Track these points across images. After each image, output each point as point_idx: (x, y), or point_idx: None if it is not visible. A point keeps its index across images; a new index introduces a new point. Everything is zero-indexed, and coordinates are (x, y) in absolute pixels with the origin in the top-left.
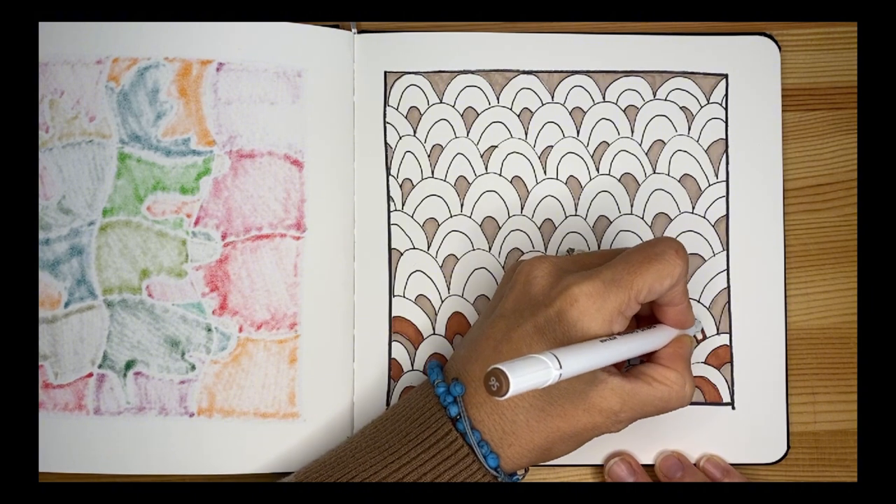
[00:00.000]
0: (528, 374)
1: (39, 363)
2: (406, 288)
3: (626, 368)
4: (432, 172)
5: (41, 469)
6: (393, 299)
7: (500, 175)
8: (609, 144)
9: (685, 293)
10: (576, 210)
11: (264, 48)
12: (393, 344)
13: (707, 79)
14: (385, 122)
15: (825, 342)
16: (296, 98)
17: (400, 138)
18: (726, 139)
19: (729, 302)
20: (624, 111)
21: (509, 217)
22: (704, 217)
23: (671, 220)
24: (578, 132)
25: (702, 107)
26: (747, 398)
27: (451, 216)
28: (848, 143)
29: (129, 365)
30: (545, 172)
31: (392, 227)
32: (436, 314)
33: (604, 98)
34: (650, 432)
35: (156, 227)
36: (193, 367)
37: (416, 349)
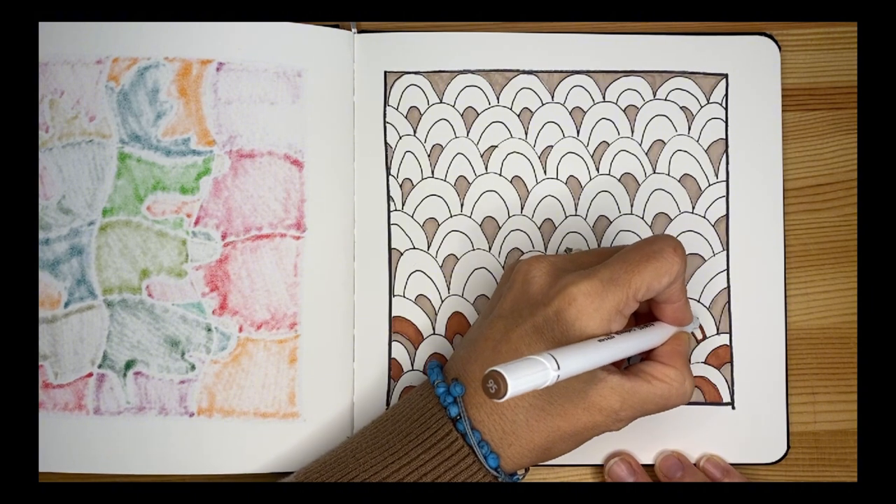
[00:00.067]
0: (527, 376)
1: (39, 363)
2: (406, 288)
3: (625, 367)
4: (432, 172)
5: (41, 469)
6: (393, 299)
7: (500, 175)
8: (609, 144)
9: (683, 290)
10: (576, 210)
11: (264, 48)
12: (393, 344)
13: (707, 79)
14: (385, 122)
15: (825, 342)
16: (296, 98)
17: (400, 138)
18: (726, 139)
19: (729, 302)
20: (624, 111)
21: (509, 217)
22: (704, 217)
23: (671, 220)
24: (578, 132)
25: (702, 107)
26: (747, 398)
27: (451, 216)
28: (848, 143)
29: (129, 365)
30: (545, 172)
31: (392, 227)
32: (436, 314)
33: (604, 98)
34: (650, 432)
35: (156, 227)
36: (193, 367)
37: (416, 349)
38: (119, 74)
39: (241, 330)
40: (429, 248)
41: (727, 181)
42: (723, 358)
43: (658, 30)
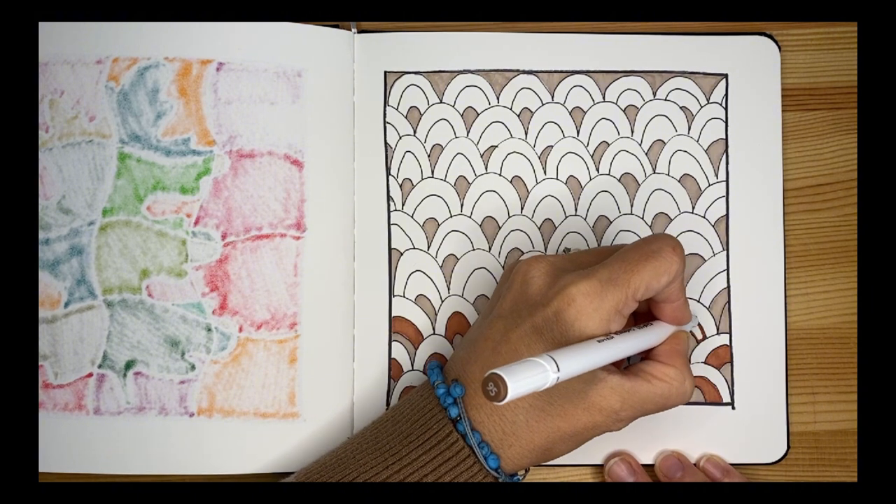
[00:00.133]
0: (526, 379)
1: (39, 363)
2: (406, 288)
3: (625, 367)
4: (432, 172)
5: (41, 469)
6: (393, 299)
7: (500, 175)
8: (609, 144)
9: (682, 290)
10: (576, 210)
11: (264, 48)
12: (393, 344)
13: (707, 79)
14: (385, 122)
15: (825, 342)
16: (296, 98)
17: (400, 138)
18: (726, 139)
19: (729, 302)
20: (624, 111)
21: (509, 217)
22: (704, 217)
23: (671, 220)
24: (578, 132)
25: (702, 107)
26: (747, 398)
27: (451, 216)
28: (848, 143)
29: (129, 365)
30: (545, 172)
31: (392, 227)
32: (436, 314)
33: (604, 98)
34: (650, 432)
35: (156, 227)
36: (193, 367)
37: (416, 349)
38: (119, 74)
39: (241, 330)
40: (429, 248)
41: (727, 181)
42: (723, 358)
43: (658, 30)
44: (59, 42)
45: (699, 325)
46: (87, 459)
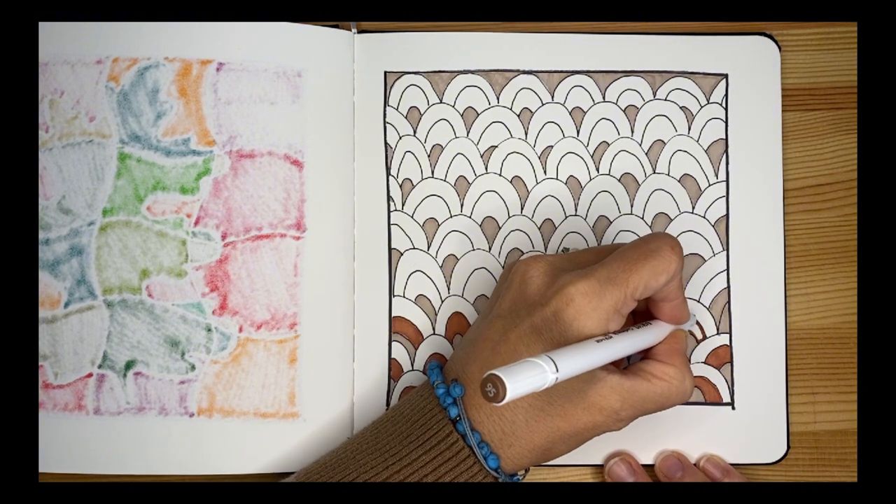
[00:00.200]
0: (525, 379)
1: (39, 363)
2: (406, 288)
3: (625, 367)
4: (432, 172)
5: (41, 469)
6: (393, 299)
7: (500, 175)
8: (609, 144)
9: (680, 288)
10: (576, 210)
11: (264, 48)
12: (393, 344)
13: (707, 79)
14: (385, 122)
15: (825, 342)
16: (296, 98)
17: (400, 138)
18: (726, 139)
19: (729, 302)
20: (624, 111)
21: (509, 217)
22: (704, 217)
23: (671, 220)
24: (578, 132)
25: (702, 107)
26: (747, 398)
27: (451, 216)
28: (848, 143)
29: (129, 365)
30: (545, 172)
31: (392, 227)
32: (436, 314)
33: (604, 98)
34: (650, 432)
35: (156, 227)
36: (193, 367)
37: (416, 349)
38: (119, 74)
39: (241, 330)
40: (429, 248)
41: (727, 181)
42: (723, 358)
43: (658, 30)
44: (59, 42)
45: (699, 325)
46: (87, 459)
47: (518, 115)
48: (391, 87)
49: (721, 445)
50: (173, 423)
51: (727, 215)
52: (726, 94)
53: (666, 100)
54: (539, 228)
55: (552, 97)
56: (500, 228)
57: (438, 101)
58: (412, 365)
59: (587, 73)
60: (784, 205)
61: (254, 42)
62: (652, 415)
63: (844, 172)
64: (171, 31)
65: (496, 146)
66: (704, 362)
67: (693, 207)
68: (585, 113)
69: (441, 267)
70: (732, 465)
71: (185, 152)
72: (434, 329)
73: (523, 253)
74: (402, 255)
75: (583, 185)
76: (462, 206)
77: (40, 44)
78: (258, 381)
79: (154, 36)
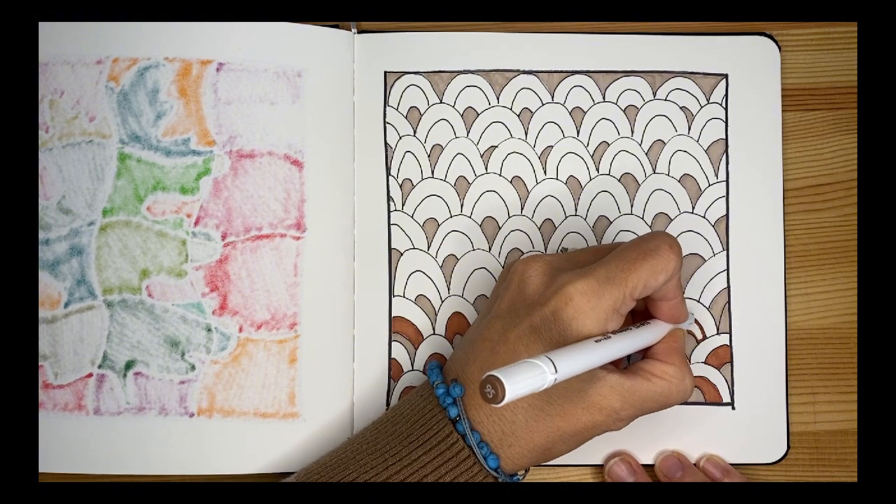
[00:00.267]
0: (524, 380)
1: (39, 363)
2: (406, 288)
3: (624, 366)
4: (432, 172)
5: (41, 469)
6: (393, 299)
7: (500, 175)
8: (609, 144)
9: (679, 288)
10: (576, 210)
11: (264, 48)
12: (393, 344)
13: (707, 79)
14: (385, 122)
15: (825, 342)
16: (296, 98)
17: (400, 138)
18: (726, 139)
19: (729, 302)
20: (624, 111)
21: (509, 217)
22: (704, 217)
23: (671, 220)
24: (578, 132)
25: (702, 107)
26: (747, 398)
27: (451, 216)
28: (848, 143)
29: (129, 365)
30: (545, 172)
31: (392, 227)
32: (436, 314)
33: (604, 98)
34: (650, 432)
35: (156, 227)
36: (193, 367)
37: (416, 349)
38: (119, 74)
39: (241, 330)
40: (429, 248)
41: (727, 181)
42: (723, 358)
43: (658, 30)
44: (59, 42)
45: (699, 325)
46: (87, 459)
47: (518, 115)
48: (391, 87)
49: (721, 445)
50: (173, 423)
51: (727, 215)
52: (726, 94)
53: (666, 100)
54: (539, 228)
55: (552, 97)
56: (500, 228)
57: (438, 101)
58: (412, 365)
59: (587, 73)
60: (784, 205)
61: (254, 42)
62: (652, 415)
63: (844, 172)
64: (171, 31)
65: (496, 146)
66: (704, 362)
67: (693, 207)
68: (585, 113)
69: (441, 267)
70: (732, 465)
71: (185, 152)
72: (434, 329)
73: (523, 253)
74: (402, 255)
75: (583, 185)
76: (462, 206)
77: (40, 44)
78: (258, 381)
79: (154, 36)
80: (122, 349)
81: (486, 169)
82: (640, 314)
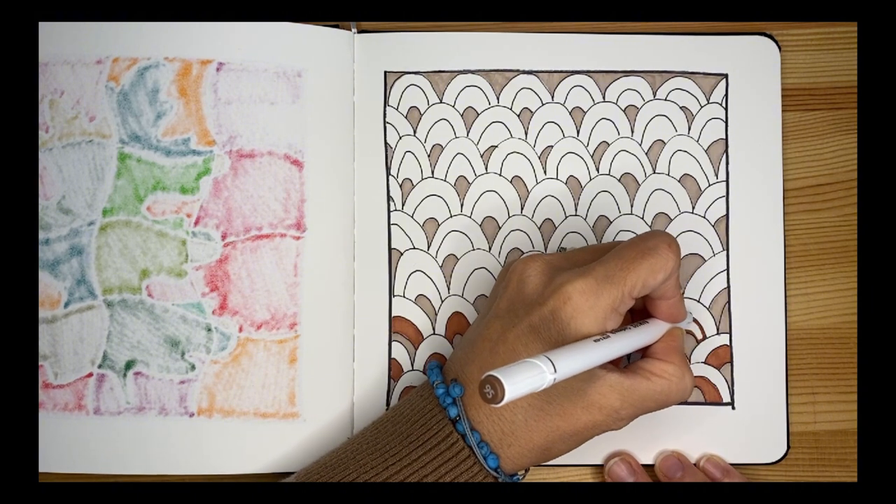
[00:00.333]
0: (523, 381)
1: (39, 363)
2: (406, 288)
3: (624, 366)
4: (432, 172)
5: (41, 469)
6: (393, 299)
7: (500, 175)
8: (609, 144)
9: (677, 287)
10: (576, 210)
11: (264, 48)
12: (393, 344)
13: (707, 79)
14: (385, 122)
15: (825, 342)
16: (296, 98)
17: (400, 138)
18: (726, 139)
19: (729, 302)
20: (624, 111)
21: (509, 217)
22: (704, 217)
23: (671, 220)
24: (578, 132)
25: (702, 107)
26: (747, 398)
27: (451, 216)
28: (848, 143)
29: (129, 365)
30: (545, 172)
31: (392, 227)
32: (436, 314)
33: (604, 98)
34: (650, 432)
35: (156, 227)
36: (193, 367)
37: (416, 349)
38: (119, 74)
39: (241, 330)
40: (429, 248)
41: (727, 181)
42: (723, 358)
43: (658, 30)
44: (59, 42)
45: (699, 324)
46: (87, 459)
47: (518, 115)
48: (391, 87)
49: (721, 445)
50: (173, 423)
51: (727, 215)
52: (726, 94)
53: (666, 100)
54: (539, 228)
55: (552, 97)
56: (500, 228)
57: (438, 101)
58: (412, 365)
59: (587, 73)
60: (784, 205)
61: (254, 42)
62: (652, 415)
63: (844, 172)
64: (171, 31)
65: (496, 146)
66: (704, 362)
67: (693, 207)
68: (585, 113)
69: (441, 267)
70: (732, 465)
71: (185, 152)
72: (434, 329)
73: (523, 253)
74: (402, 255)
75: (583, 185)
76: (462, 205)
77: (40, 44)
78: (258, 381)
79: (154, 36)
80: (122, 349)
81: (486, 169)
82: (639, 313)
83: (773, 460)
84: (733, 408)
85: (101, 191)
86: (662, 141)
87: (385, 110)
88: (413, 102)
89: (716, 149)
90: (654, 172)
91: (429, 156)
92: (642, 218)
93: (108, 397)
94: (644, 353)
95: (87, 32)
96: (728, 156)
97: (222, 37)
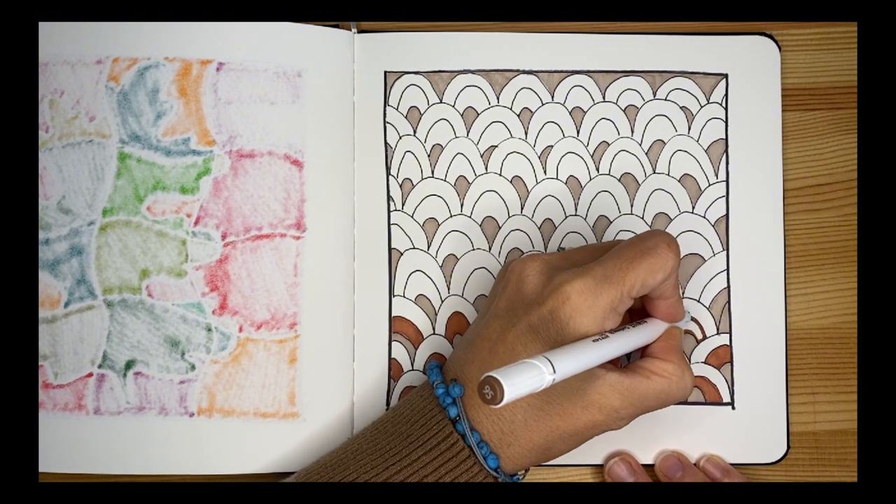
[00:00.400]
0: (522, 381)
1: (39, 363)
2: (406, 288)
3: (624, 364)
4: (432, 172)
5: (41, 469)
6: (393, 299)
7: (500, 175)
8: (609, 144)
9: (676, 286)
10: (576, 210)
11: (264, 48)
12: (393, 344)
13: (707, 79)
14: (385, 122)
15: (825, 342)
16: (296, 98)
17: (400, 138)
18: (726, 139)
19: (729, 302)
20: (624, 111)
21: (509, 217)
22: (704, 217)
23: (671, 220)
24: (578, 132)
25: (702, 107)
26: (747, 398)
27: (451, 216)
28: (848, 143)
29: (129, 365)
30: (545, 172)
31: (392, 227)
32: (436, 314)
33: (604, 98)
34: (650, 432)
35: (156, 227)
36: (193, 367)
37: (416, 349)
38: (119, 74)
39: (241, 330)
40: (429, 248)
41: (727, 181)
42: (723, 358)
43: (658, 30)
44: (59, 42)
45: (699, 324)
46: (87, 459)
47: (518, 115)
48: (391, 87)
49: (721, 445)
50: (173, 423)
51: (727, 215)
52: (726, 94)
53: (666, 100)
54: (539, 228)
55: (552, 97)
56: (500, 228)
57: (438, 100)
58: (412, 365)
59: (587, 73)
60: (784, 205)
61: (254, 42)
62: (652, 414)
63: (844, 172)
64: (171, 31)
65: (496, 146)
66: (704, 362)
67: (693, 207)
68: (585, 113)
69: (441, 267)
70: (732, 465)
71: (185, 152)
72: (434, 329)
73: (523, 253)
74: (402, 254)
75: (583, 185)
76: (462, 205)
77: (40, 44)
78: (258, 381)
79: (154, 36)
80: (122, 349)
81: (486, 169)
82: (637, 313)
83: (773, 460)
84: (733, 408)
85: (101, 191)
86: (662, 141)
87: (385, 110)
88: (413, 102)
89: (716, 149)
90: (654, 172)
91: (429, 156)
92: (642, 218)
93: (108, 397)
94: (643, 352)
95: (87, 32)
96: (728, 156)
97: (222, 37)
